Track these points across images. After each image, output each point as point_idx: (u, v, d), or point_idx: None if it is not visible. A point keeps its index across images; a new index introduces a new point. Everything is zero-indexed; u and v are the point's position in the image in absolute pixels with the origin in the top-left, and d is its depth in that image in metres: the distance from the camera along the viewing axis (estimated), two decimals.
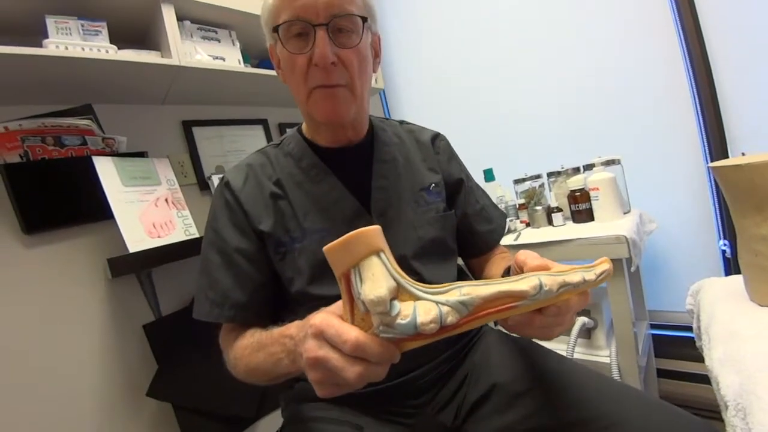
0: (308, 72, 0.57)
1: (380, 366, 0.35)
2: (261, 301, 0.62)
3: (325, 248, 0.33)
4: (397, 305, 0.33)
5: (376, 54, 0.67)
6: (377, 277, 0.32)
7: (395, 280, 0.33)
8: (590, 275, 0.37)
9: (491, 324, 0.69)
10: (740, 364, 0.43)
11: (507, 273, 0.57)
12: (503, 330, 0.61)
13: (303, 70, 0.57)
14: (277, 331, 0.50)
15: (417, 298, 0.34)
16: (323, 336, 0.35)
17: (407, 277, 0.35)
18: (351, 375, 0.33)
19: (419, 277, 0.63)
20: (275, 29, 0.57)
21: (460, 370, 0.65)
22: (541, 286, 0.35)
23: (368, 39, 0.61)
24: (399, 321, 0.32)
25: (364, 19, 0.57)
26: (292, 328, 0.46)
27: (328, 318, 0.35)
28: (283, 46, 0.57)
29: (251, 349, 0.54)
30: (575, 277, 0.37)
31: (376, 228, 0.34)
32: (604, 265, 0.38)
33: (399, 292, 0.34)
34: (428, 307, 0.33)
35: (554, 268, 0.39)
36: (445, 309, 0.33)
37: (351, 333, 0.33)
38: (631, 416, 0.50)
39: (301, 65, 0.56)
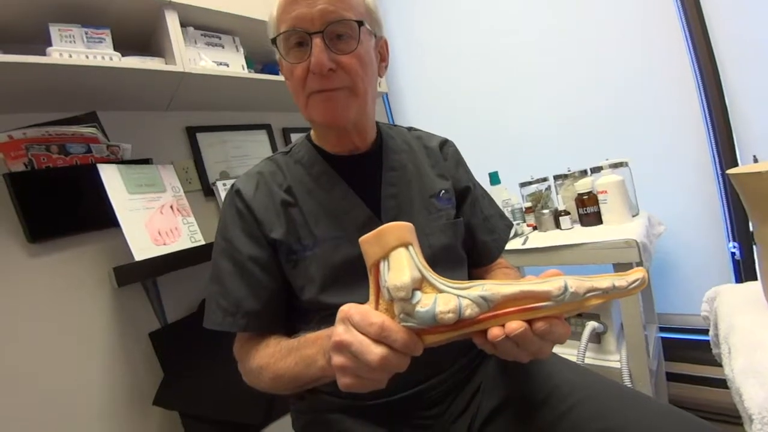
0: (306, 79, 0.57)
1: (403, 355, 0.35)
2: (274, 309, 0.62)
3: (360, 239, 0.37)
4: (419, 294, 0.35)
5: (383, 58, 0.66)
6: (403, 267, 0.35)
7: (420, 272, 0.35)
8: (621, 282, 0.35)
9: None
10: (765, 376, 0.43)
11: None
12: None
13: (301, 78, 0.57)
14: (312, 335, 0.51)
15: (439, 291, 0.35)
16: (350, 320, 0.36)
17: (432, 271, 0.36)
18: (374, 358, 0.34)
19: None
20: (273, 41, 0.58)
21: (474, 380, 0.64)
22: (566, 288, 0.34)
23: (370, 43, 0.60)
24: (419, 309, 0.34)
25: (360, 23, 0.57)
26: (330, 330, 0.46)
27: (356, 305, 0.37)
28: (283, 57, 0.58)
29: (278, 356, 0.54)
30: (604, 283, 0.35)
31: (408, 224, 0.37)
32: (637, 273, 0.36)
33: (423, 285, 0.36)
34: (448, 298, 0.34)
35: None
36: (465, 302, 0.34)
37: (377, 317, 0.35)
38: (652, 428, 0.49)
39: (299, 73, 0.57)
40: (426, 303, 0.34)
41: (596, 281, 0.35)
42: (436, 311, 0.33)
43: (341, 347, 0.36)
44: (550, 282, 0.35)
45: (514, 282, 0.35)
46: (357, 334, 0.35)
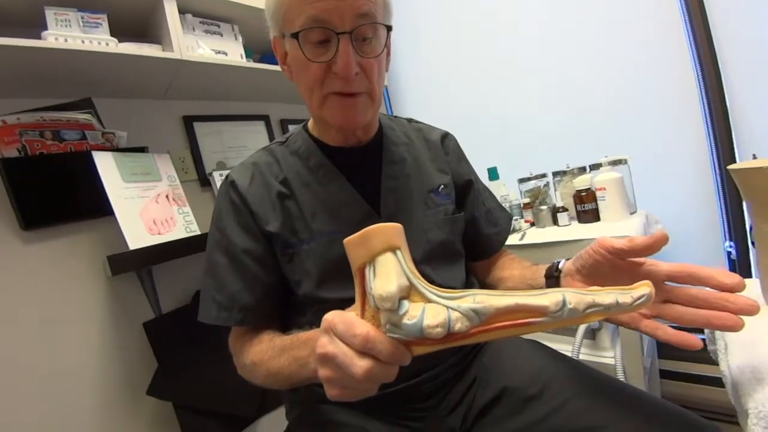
0: (325, 78, 0.54)
1: (390, 366, 0.34)
2: (270, 303, 0.61)
3: (345, 240, 0.34)
4: (406, 304, 0.32)
5: (388, 52, 0.65)
6: (390, 274, 0.32)
7: (408, 279, 0.33)
8: (626, 298, 0.33)
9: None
10: (762, 372, 0.43)
11: (556, 269, 0.57)
12: None
13: (319, 77, 0.54)
14: (304, 335, 0.49)
15: (428, 301, 0.33)
16: (334, 331, 0.34)
17: (421, 278, 0.34)
18: (358, 371, 0.32)
19: (428, 281, 0.62)
20: (294, 35, 0.52)
21: (469, 373, 0.64)
22: (564, 304, 0.32)
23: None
24: (405, 321, 0.31)
25: (389, 28, 0.56)
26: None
27: (341, 313, 0.35)
28: (300, 49, 0.53)
29: (272, 354, 0.53)
30: (607, 299, 0.33)
31: (396, 225, 0.34)
32: (643, 289, 0.34)
33: (411, 293, 0.33)
34: (437, 310, 0.32)
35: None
36: (455, 315, 0.32)
37: (362, 327, 0.33)
38: (646, 424, 0.49)
39: (316, 71, 0.53)
40: (413, 314, 0.31)
41: (598, 296, 0.33)
42: (423, 324, 0.31)
43: (325, 359, 0.35)
44: (547, 296, 0.33)
45: (509, 293, 0.33)
46: (341, 345, 0.34)
